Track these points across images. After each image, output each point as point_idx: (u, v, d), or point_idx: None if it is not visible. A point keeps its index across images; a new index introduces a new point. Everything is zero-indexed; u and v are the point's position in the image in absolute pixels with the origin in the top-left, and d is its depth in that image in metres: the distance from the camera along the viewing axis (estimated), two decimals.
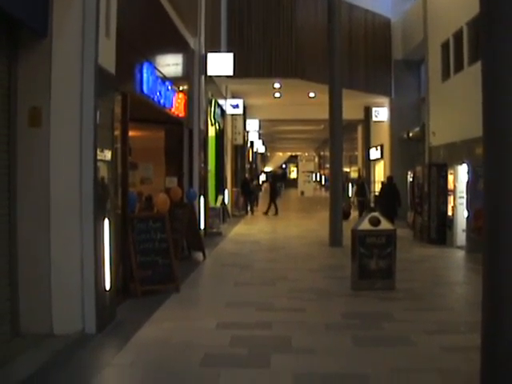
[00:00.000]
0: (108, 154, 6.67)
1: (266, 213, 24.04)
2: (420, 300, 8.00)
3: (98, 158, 6.34)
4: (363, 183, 22.87)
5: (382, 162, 25.50)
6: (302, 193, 43.58)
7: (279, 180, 28.29)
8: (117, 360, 5.50)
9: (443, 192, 13.93)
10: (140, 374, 5.09)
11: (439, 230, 13.98)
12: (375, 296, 8.05)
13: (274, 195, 25.10)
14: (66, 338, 5.97)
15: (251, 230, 17.71)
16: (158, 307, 7.41)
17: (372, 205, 20.09)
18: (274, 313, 7.22)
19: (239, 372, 5.08)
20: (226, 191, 21.29)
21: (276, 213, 23.88)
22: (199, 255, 11.56)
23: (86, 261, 6.26)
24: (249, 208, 24.40)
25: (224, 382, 4.83)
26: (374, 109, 24.33)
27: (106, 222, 6.56)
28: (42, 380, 4.88)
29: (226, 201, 20.76)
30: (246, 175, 28.36)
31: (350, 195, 26.00)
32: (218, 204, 18.46)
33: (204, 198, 14.39)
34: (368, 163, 27.92)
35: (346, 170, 39.33)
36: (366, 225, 8.54)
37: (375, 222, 8.49)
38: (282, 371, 5.07)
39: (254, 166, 38.39)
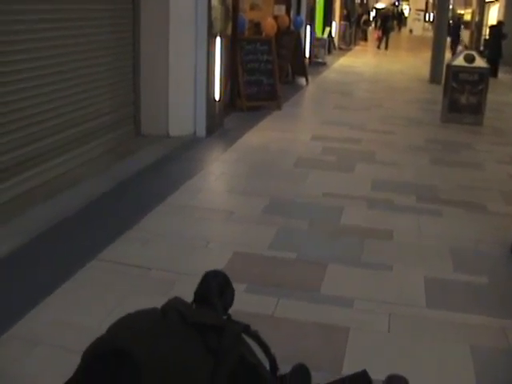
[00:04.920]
0: None
1: (378, 47, 24.70)
2: (502, 136, 8.48)
3: None
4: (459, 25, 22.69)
5: (497, 6, 24.54)
6: (411, 31, 42.57)
7: (390, 18, 27.94)
8: (224, 157, 6.49)
9: None
10: (243, 168, 6.05)
11: None
12: (461, 128, 8.63)
13: (386, 31, 25.39)
14: (179, 139, 6.93)
15: (355, 63, 18.12)
16: (261, 120, 8.33)
17: (481, 48, 19.86)
18: (364, 132, 8.00)
19: (326, 173, 5.96)
20: (334, 23, 21.43)
21: (386, 48, 24.46)
22: (302, 81, 12.28)
23: (199, 73, 7.04)
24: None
25: (312, 179, 5.72)
26: None
27: (218, 40, 7.32)
28: (161, 168, 5.84)
29: (333, 33, 20.99)
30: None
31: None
32: (325, 35, 18.78)
33: (310, 27, 14.81)
34: (482, 5, 26.87)
35: (461, 12, 37.81)
36: (460, 61, 8.91)
37: (470, 58, 8.83)
38: (364, 176, 5.90)
39: (364, 0, 37.45)
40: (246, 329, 2.14)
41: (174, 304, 2.11)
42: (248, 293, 3.35)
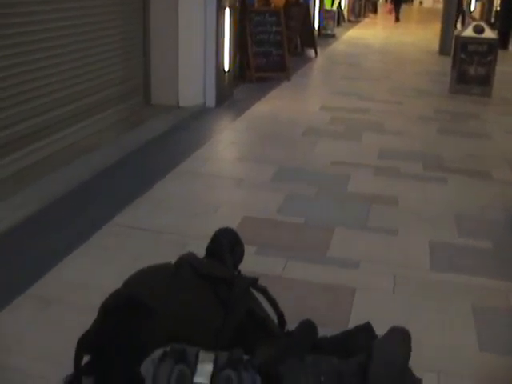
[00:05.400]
0: None
1: (396, 19, 24.65)
2: (510, 107, 8.49)
3: None
4: None
5: None
6: (421, 3, 42.22)
7: None
8: (233, 125, 6.56)
9: None
10: (252, 137, 6.12)
11: None
12: (470, 100, 8.65)
13: (397, 3, 25.29)
14: (189, 109, 7.02)
15: (365, 35, 18.05)
16: (270, 91, 8.39)
17: (493, 20, 19.74)
18: (373, 103, 8.05)
19: (334, 142, 6.03)
20: None
21: (396, 20, 24.40)
22: (311, 52, 12.29)
23: (209, 44, 7.09)
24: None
25: (320, 147, 5.80)
26: None
27: (227, 11, 7.36)
28: (171, 137, 5.93)
29: (343, 5, 20.87)
30: None
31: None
32: (335, 7, 18.69)
33: None
34: None
35: None
36: (469, 32, 8.89)
37: (479, 29, 8.81)
38: (371, 145, 5.97)
39: None
40: (255, 282, 2.25)
41: (187, 258, 2.21)
42: (257, 255, 3.45)
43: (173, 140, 5.81)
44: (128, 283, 2.16)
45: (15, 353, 2.52)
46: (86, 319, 2.13)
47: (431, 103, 8.30)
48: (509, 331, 2.91)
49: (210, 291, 2.09)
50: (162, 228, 3.80)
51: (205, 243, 2.35)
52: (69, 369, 2.18)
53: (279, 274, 3.29)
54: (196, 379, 1.71)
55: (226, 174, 4.96)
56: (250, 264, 2.36)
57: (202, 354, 1.75)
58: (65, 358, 2.28)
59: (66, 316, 2.79)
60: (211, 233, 2.38)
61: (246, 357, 1.78)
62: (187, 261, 2.16)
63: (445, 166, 5.43)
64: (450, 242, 3.85)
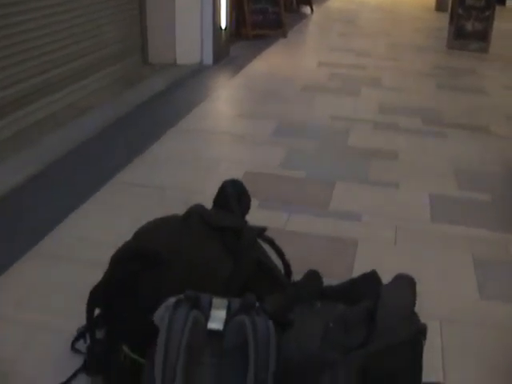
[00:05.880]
0: None
1: None
2: (508, 63, 8.44)
3: None
4: None
5: None
6: None
7: None
8: (231, 83, 6.55)
9: None
10: (250, 93, 6.11)
11: None
12: (467, 55, 8.62)
13: None
14: (187, 67, 6.98)
15: None
16: (267, 48, 8.34)
17: None
18: (371, 59, 8.02)
19: (333, 97, 6.04)
20: None
21: None
22: (307, 9, 12.18)
23: (206, 2, 7.02)
24: None
25: (319, 102, 5.80)
26: None
27: None
28: (170, 95, 5.91)
29: None
30: None
31: None
32: None
33: None
34: None
35: None
36: None
37: None
38: (370, 99, 5.98)
39: None
40: (263, 232, 2.29)
41: (196, 209, 2.25)
42: (260, 208, 3.49)
43: (171, 98, 5.80)
44: (137, 235, 2.19)
45: (25, 308, 2.56)
46: (95, 274, 2.16)
47: (429, 59, 8.27)
48: (508, 280, 2.97)
49: (220, 241, 2.12)
50: (164, 184, 3.83)
51: (209, 198, 2.39)
52: (81, 322, 2.23)
53: (282, 227, 3.33)
54: (210, 325, 1.75)
55: (226, 131, 4.97)
56: (254, 217, 2.39)
57: (216, 301, 1.79)
58: (76, 312, 2.33)
59: (75, 272, 2.83)
60: (214, 188, 2.41)
61: (257, 304, 1.83)
62: (196, 211, 2.19)
63: (444, 120, 5.45)
64: (449, 194, 3.90)
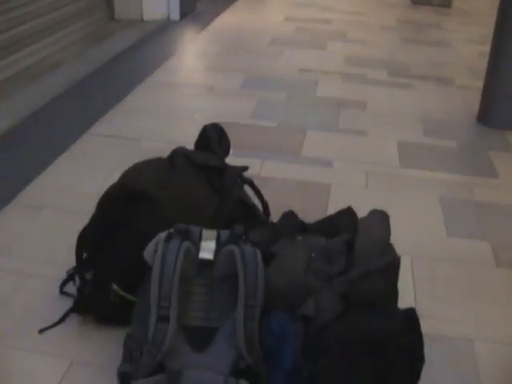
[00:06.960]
0: None
1: None
2: (470, 17, 8.57)
3: None
4: None
5: None
6: None
7: None
8: (199, 37, 6.56)
9: None
10: (219, 47, 6.14)
11: None
12: (431, 10, 8.73)
13: None
14: (154, 23, 6.95)
15: None
16: (232, 3, 8.34)
17: None
18: (335, 13, 8.08)
19: (300, 50, 6.10)
20: None
21: None
22: None
23: None
24: None
25: (287, 55, 5.87)
26: None
27: None
28: (138, 50, 5.91)
29: None
30: None
31: None
32: None
33: None
34: None
35: None
36: None
37: None
38: (336, 52, 6.07)
39: None
40: (245, 170, 2.39)
41: (179, 150, 2.34)
42: (234, 157, 3.56)
43: (140, 53, 5.81)
44: (125, 175, 2.27)
45: (11, 255, 2.62)
46: (78, 221, 2.23)
47: (393, 13, 8.36)
48: (472, 219, 3.13)
49: (205, 179, 2.22)
50: (140, 135, 3.89)
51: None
52: (68, 267, 2.30)
53: (257, 173, 3.44)
54: (201, 255, 1.86)
55: (196, 83, 5.02)
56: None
57: (205, 232, 1.90)
58: (63, 259, 2.41)
59: (58, 219, 2.89)
60: (189, 138, 2.49)
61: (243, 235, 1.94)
62: (180, 152, 2.28)
63: (409, 72, 5.57)
64: (416, 141, 4.04)
